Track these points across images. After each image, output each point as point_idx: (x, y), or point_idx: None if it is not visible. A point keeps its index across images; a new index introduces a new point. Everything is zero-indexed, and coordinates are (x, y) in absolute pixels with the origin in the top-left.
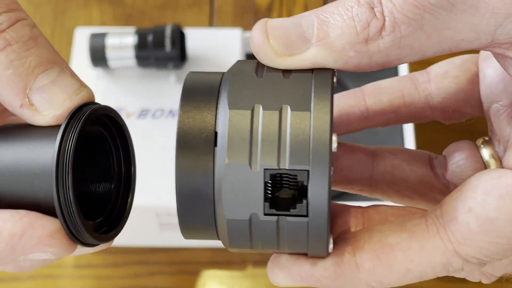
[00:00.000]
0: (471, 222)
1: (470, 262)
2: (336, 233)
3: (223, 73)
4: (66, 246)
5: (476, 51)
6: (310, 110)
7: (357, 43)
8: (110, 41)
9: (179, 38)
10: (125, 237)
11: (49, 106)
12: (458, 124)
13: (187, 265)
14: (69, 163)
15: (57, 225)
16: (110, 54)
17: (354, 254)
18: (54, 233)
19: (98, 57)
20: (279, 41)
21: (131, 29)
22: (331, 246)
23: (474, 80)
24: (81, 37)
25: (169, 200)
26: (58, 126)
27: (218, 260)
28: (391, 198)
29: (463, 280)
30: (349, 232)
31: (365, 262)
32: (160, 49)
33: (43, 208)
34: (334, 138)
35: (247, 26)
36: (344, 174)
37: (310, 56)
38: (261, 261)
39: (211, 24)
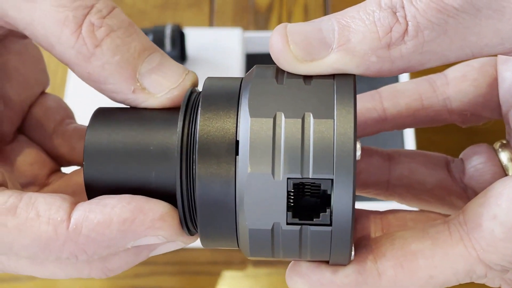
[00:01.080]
0: (496, 229)
1: (494, 269)
2: (355, 239)
3: (241, 79)
4: (177, 229)
5: None
6: (333, 118)
7: (379, 49)
8: None
9: (179, 38)
10: None
11: (162, 88)
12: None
13: (187, 265)
14: (194, 145)
15: (166, 208)
16: None
17: (375, 262)
18: (164, 215)
19: None
20: (299, 47)
21: None
22: (352, 253)
23: (493, 83)
24: None
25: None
26: (173, 108)
27: (218, 260)
28: (407, 202)
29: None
30: (368, 238)
31: (387, 270)
32: (160, 49)
33: (152, 192)
34: (358, 146)
35: (247, 26)
36: (361, 178)
37: (331, 62)
38: (261, 261)
39: (211, 24)
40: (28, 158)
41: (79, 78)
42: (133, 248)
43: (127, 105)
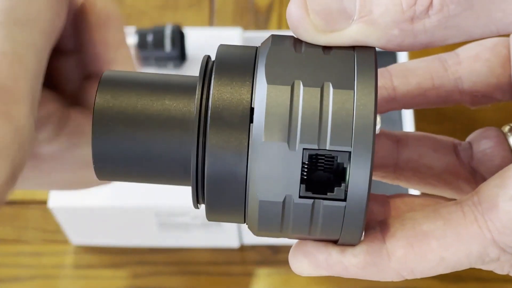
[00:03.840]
0: None
1: (507, 252)
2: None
3: (257, 47)
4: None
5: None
6: (353, 89)
7: (402, 22)
8: None
9: (179, 38)
10: (125, 237)
11: None
12: (457, 116)
13: (187, 265)
14: (208, 117)
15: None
16: None
17: (385, 242)
18: None
19: None
20: (319, 16)
21: (131, 29)
22: (362, 233)
23: (506, 64)
24: None
25: (169, 200)
26: (189, 76)
27: (218, 260)
28: (414, 185)
29: (462, 280)
30: (376, 220)
31: (397, 250)
32: (160, 49)
33: (169, 161)
34: (378, 119)
35: (247, 26)
36: None
37: (352, 33)
38: (261, 261)
39: (211, 24)
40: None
41: None
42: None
43: None
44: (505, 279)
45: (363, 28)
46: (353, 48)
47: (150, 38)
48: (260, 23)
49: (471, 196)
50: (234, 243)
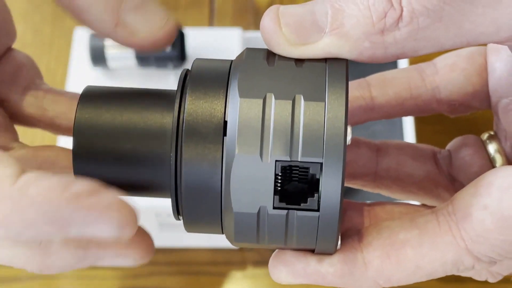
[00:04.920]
0: (486, 219)
1: (482, 260)
2: (342, 230)
3: (231, 61)
4: (132, 217)
5: None
6: (324, 101)
7: (373, 34)
8: (110, 41)
9: (179, 38)
10: None
11: (145, 27)
12: (461, 123)
13: (187, 265)
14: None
15: (124, 198)
16: (110, 54)
17: (362, 251)
18: (121, 202)
19: (98, 57)
20: (291, 29)
21: None
22: (339, 242)
23: (482, 73)
24: (81, 37)
25: (169, 200)
26: (168, 90)
27: (218, 260)
28: (394, 193)
29: (461, 280)
30: (355, 229)
31: (374, 259)
32: None
33: (146, 174)
34: (349, 130)
35: (247, 26)
36: (348, 169)
37: (324, 46)
38: (261, 261)
39: (211, 24)
40: None
41: (61, 6)
42: (76, 246)
43: (111, 39)
44: (506, 279)
45: (335, 41)
46: (325, 60)
47: None
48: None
49: (446, 205)
50: None
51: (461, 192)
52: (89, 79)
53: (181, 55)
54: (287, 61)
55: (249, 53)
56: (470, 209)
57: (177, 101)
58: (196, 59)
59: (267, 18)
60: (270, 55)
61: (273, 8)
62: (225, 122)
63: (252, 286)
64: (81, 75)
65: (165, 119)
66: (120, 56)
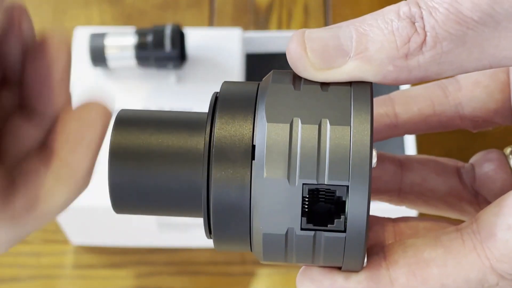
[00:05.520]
0: (510, 239)
1: (506, 278)
2: (367, 246)
3: (258, 83)
4: None
5: None
6: (350, 125)
7: (397, 58)
8: (110, 41)
9: (179, 38)
10: (125, 238)
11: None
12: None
13: (187, 265)
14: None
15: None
16: (110, 54)
17: (388, 269)
18: None
19: (98, 57)
20: (317, 54)
21: (131, 29)
22: (365, 260)
23: (505, 89)
24: (81, 37)
25: None
26: (200, 112)
27: (218, 260)
28: (419, 208)
29: None
30: (381, 245)
31: (400, 277)
32: (160, 49)
33: (179, 196)
34: (374, 153)
35: (247, 26)
36: (373, 185)
37: (349, 70)
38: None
39: (211, 24)
40: None
41: None
42: None
43: None
44: None
45: (359, 65)
46: (350, 83)
47: (150, 38)
48: (260, 23)
49: (470, 224)
50: None
51: (485, 211)
52: (89, 79)
53: (181, 55)
54: (312, 85)
55: (276, 77)
56: (494, 229)
57: (208, 125)
58: (224, 82)
59: (293, 44)
60: (296, 78)
61: (299, 32)
62: (253, 146)
63: (252, 286)
64: (81, 75)
65: (196, 144)
66: (120, 56)
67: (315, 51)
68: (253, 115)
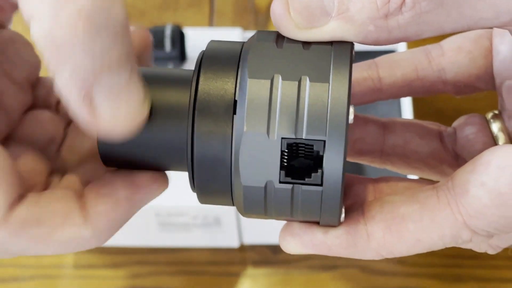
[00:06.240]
0: (483, 196)
1: (479, 234)
2: (348, 203)
3: (243, 43)
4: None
5: None
6: (328, 82)
7: (377, 18)
8: None
9: (179, 38)
10: (125, 237)
11: (113, 115)
12: (457, 115)
13: (187, 265)
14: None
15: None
16: None
17: (365, 224)
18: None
19: None
20: (299, 14)
21: (131, 29)
22: (343, 215)
23: (488, 55)
24: None
25: (168, 200)
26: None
27: (218, 260)
28: (400, 169)
29: (462, 280)
30: (360, 203)
31: (376, 232)
32: (160, 49)
33: (165, 149)
34: (351, 110)
35: (247, 26)
36: (356, 146)
37: (330, 30)
38: (261, 261)
39: (211, 24)
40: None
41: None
42: None
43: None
44: (505, 279)
45: (341, 25)
46: (331, 43)
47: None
48: (260, 23)
49: (446, 182)
50: (234, 243)
51: (460, 170)
52: None
53: (181, 55)
54: (295, 44)
55: (260, 36)
56: (468, 185)
57: (194, 81)
58: (211, 40)
59: (276, 3)
60: (279, 37)
61: None
62: (235, 101)
63: (252, 286)
64: None
65: (182, 98)
66: None
67: (297, 10)
68: (236, 72)
